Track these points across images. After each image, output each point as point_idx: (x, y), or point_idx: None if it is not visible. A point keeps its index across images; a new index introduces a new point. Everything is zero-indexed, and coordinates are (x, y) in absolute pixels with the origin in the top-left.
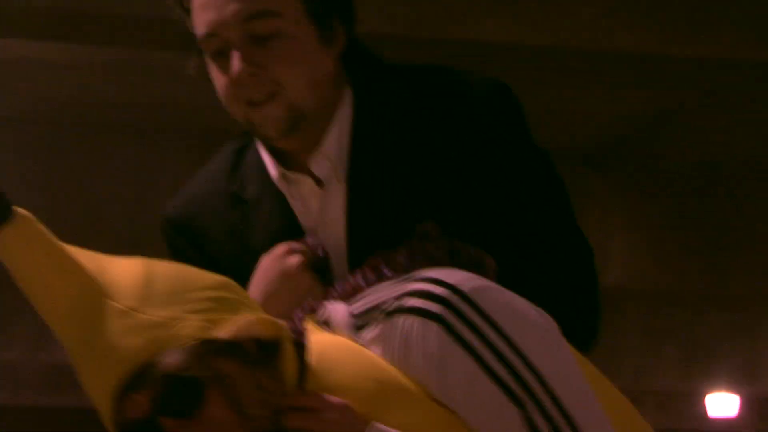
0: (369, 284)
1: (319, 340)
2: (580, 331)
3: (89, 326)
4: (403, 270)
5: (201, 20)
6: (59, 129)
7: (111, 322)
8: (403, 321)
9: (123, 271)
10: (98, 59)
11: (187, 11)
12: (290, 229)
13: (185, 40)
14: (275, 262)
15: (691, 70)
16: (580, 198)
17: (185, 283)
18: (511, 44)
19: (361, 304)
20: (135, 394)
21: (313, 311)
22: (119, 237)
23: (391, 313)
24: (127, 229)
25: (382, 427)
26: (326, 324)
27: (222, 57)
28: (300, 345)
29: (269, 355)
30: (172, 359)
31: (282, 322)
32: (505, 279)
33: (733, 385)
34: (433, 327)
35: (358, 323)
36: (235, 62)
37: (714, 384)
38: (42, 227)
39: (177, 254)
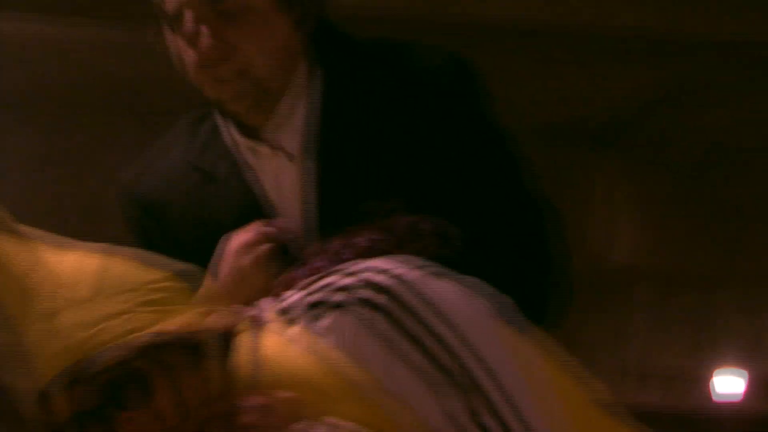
0: (328, 269)
1: (274, 334)
2: (535, 299)
3: (39, 315)
4: (362, 254)
5: None
6: (63, 109)
7: (63, 313)
8: (351, 313)
9: (79, 262)
10: (104, 39)
11: None
12: (254, 202)
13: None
14: (245, 248)
15: (699, 49)
16: (587, 176)
17: (138, 275)
18: (516, 23)
19: (309, 292)
20: (82, 386)
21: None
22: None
23: (340, 305)
24: None
25: (333, 421)
26: (285, 312)
27: (177, 22)
28: (254, 337)
29: (218, 349)
30: (120, 351)
31: (234, 316)
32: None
33: (740, 365)
34: (379, 318)
35: (307, 314)
36: (204, 38)
37: (721, 363)
38: None
39: (134, 225)
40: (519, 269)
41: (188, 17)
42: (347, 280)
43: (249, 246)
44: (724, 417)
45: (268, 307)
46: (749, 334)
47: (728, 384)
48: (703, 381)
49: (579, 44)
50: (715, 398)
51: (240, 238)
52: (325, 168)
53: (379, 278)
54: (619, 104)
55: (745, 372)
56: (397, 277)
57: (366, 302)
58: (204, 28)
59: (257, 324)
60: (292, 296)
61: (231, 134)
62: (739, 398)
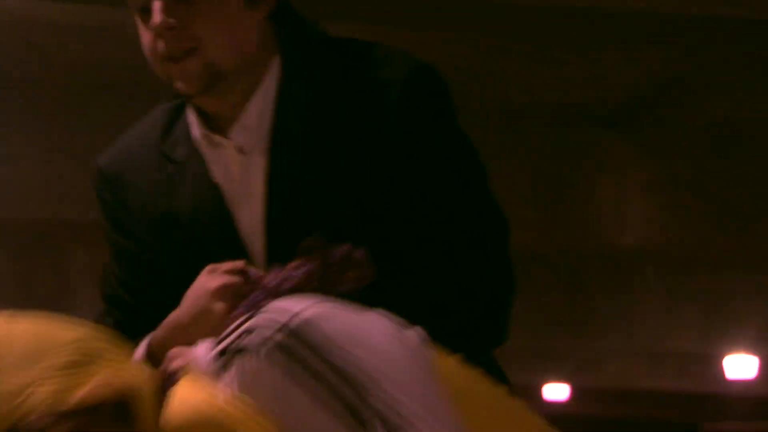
0: (258, 307)
1: (183, 387)
2: (467, 332)
3: None
4: (297, 288)
5: None
6: (67, 91)
7: None
8: (244, 361)
9: (4, 330)
10: (108, 20)
11: None
12: (212, 195)
13: None
14: (219, 292)
15: (711, 30)
16: (599, 159)
17: (43, 344)
18: (529, 5)
19: (224, 336)
20: None
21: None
22: None
23: (238, 351)
24: None
25: None
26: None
27: (146, 13)
28: (181, 387)
29: (125, 412)
30: (47, 419)
31: (142, 378)
32: (406, 266)
33: (752, 347)
34: (269, 365)
35: (219, 364)
36: (156, 15)
37: (733, 346)
38: None
39: (104, 206)
40: (447, 300)
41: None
42: (252, 323)
43: (224, 292)
44: (736, 399)
45: (202, 352)
46: (761, 316)
47: (740, 366)
48: (715, 363)
49: (589, 26)
50: (726, 380)
51: (216, 280)
52: (274, 165)
53: (282, 318)
54: (631, 86)
55: (757, 354)
56: (301, 316)
57: (257, 348)
58: (156, 4)
59: (187, 373)
60: (201, 348)
61: (191, 120)
62: (751, 379)
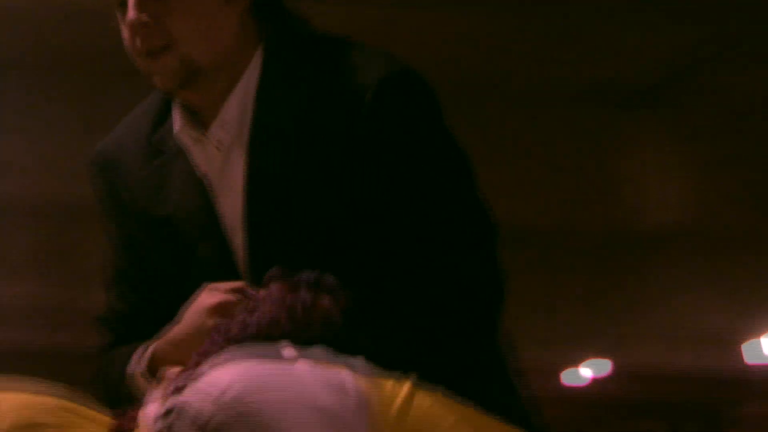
0: (216, 351)
1: None
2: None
3: None
4: (234, 340)
5: None
6: (66, 75)
7: None
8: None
9: None
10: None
11: None
12: (196, 189)
13: None
14: (202, 316)
15: (745, 5)
16: (632, 137)
17: (30, 400)
18: None
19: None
20: None
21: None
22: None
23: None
24: None
25: None
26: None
27: (124, 7)
28: None
29: None
30: None
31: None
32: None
33: None
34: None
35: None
36: (130, 11)
37: (755, 327)
38: None
39: (99, 194)
40: (424, 307)
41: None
42: (178, 402)
43: (221, 310)
44: (756, 381)
45: (152, 412)
46: None
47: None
48: (736, 345)
49: (615, 4)
50: (746, 362)
51: (214, 298)
52: (253, 162)
53: (204, 403)
54: (656, 65)
55: None
56: (222, 399)
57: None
58: (131, 1)
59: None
60: (150, 409)
61: (174, 115)
62: None
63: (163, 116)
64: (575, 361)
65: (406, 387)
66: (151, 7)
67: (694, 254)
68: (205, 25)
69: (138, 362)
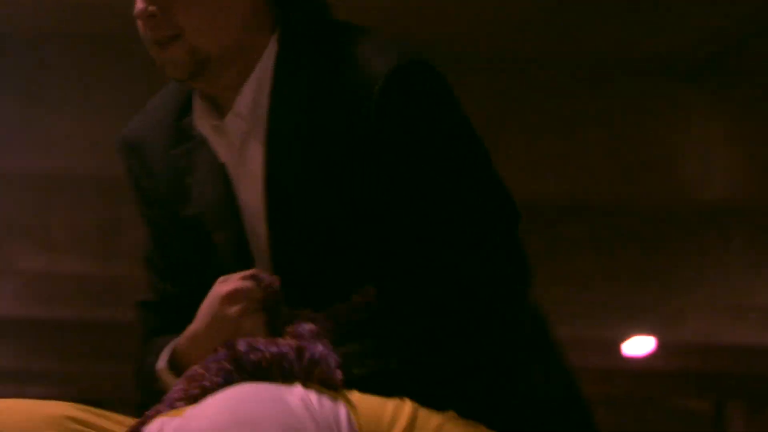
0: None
1: None
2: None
3: None
4: (237, 358)
5: None
6: (115, 51)
7: None
8: None
9: None
10: None
11: None
12: (219, 175)
13: None
14: (232, 297)
15: None
16: (680, 111)
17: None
18: None
19: None
20: None
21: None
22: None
23: None
24: None
25: None
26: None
27: None
28: None
29: None
30: None
31: None
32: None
33: None
34: None
35: None
36: (138, 1)
37: None
38: None
39: (130, 176)
40: (449, 299)
41: None
42: None
43: (236, 296)
44: None
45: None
46: None
47: None
48: None
49: None
50: None
51: (228, 286)
52: (272, 155)
53: None
54: (712, 37)
55: None
56: None
57: None
58: None
59: None
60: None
61: (195, 103)
62: None
63: (188, 102)
64: (639, 333)
65: (407, 409)
66: None
67: (751, 228)
68: (213, 15)
69: (162, 357)
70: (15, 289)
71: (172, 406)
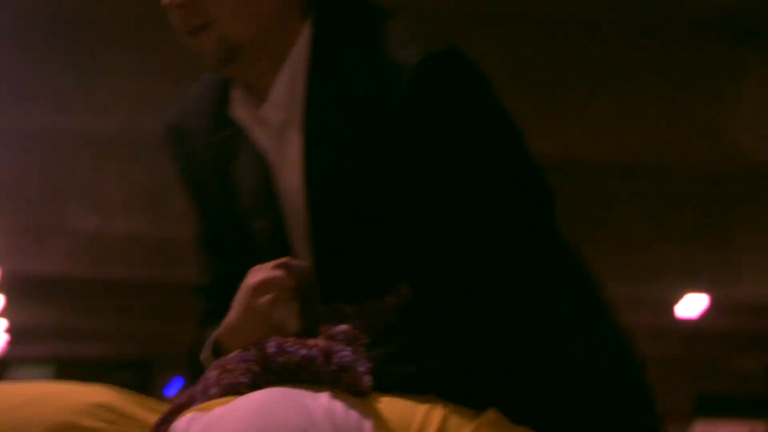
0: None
1: None
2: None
3: None
4: (266, 359)
5: None
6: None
7: None
8: None
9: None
10: None
11: None
12: (258, 162)
13: None
14: (262, 287)
15: None
16: (734, 74)
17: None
18: None
19: None
20: None
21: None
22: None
23: None
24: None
25: None
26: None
27: None
28: None
29: None
30: None
31: None
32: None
33: None
34: None
35: None
36: None
37: None
38: None
39: (176, 162)
40: (489, 290)
41: None
42: None
43: (266, 285)
44: None
45: (182, 427)
46: None
47: None
48: None
49: None
50: None
51: (258, 275)
52: (311, 142)
53: None
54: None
55: None
56: None
57: None
58: None
59: None
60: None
61: (232, 91)
62: None
63: (227, 90)
64: (677, 298)
65: (437, 415)
66: None
67: None
68: (243, 3)
69: (206, 348)
70: (67, 249)
71: (205, 394)
